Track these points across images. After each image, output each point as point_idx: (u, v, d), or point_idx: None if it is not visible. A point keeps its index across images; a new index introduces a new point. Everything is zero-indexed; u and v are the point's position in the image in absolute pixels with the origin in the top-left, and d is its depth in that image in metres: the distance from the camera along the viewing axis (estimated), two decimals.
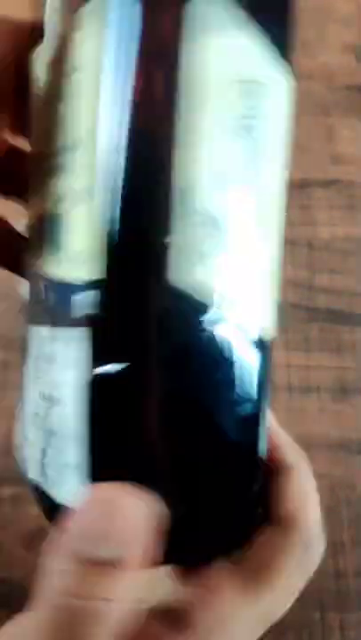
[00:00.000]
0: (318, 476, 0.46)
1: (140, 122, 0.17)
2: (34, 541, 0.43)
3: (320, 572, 0.43)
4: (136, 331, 0.18)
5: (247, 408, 0.19)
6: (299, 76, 0.69)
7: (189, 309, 0.18)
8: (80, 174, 0.18)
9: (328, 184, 0.56)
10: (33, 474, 0.22)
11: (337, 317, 0.51)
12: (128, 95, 0.17)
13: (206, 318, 0.19)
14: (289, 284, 0.52)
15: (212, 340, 0.19)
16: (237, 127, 0.18)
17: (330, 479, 0.46)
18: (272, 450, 0.19)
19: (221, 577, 0.17)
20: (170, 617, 0.16)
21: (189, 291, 0.18)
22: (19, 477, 0.46)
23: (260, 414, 0.20)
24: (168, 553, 0.17)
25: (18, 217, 0.25)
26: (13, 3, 0.25)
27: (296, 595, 0.18)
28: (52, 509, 0.20)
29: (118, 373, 0.17)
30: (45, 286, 0.20)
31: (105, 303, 0.18)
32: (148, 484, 0.16)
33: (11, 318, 0.38)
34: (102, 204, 0.18)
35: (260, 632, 0.17)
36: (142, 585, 0.15)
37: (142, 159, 0.18)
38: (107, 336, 0.18)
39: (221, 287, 0.19)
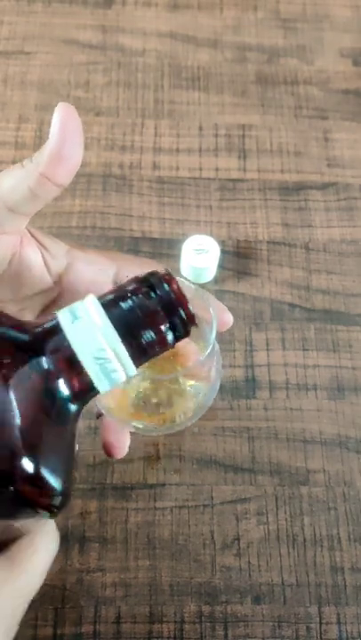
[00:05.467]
0: (315, 473, 0.46)
1: None
2: None
3: (317, 567, 0.44)
4: None
5: None
6: (296, 80, 0.70)
7: None
8: None
9: (325, 186, 0.57)
10: None
11: (334, 317, 0.52)
12: None
13: None
14: (286, 284, 0.53)
15: None
16: None
17: (327, 476, 0.46)
18: None
19: None
20: None
21: None
22: None
23: None
24: None
25: None
26: None
27: (44, 577, 0.24)
28: None
29: None
30: None
31: None
32: None
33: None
34: None
35: (24, 604, 0.23)
36: None
37: None
38: None
39: None
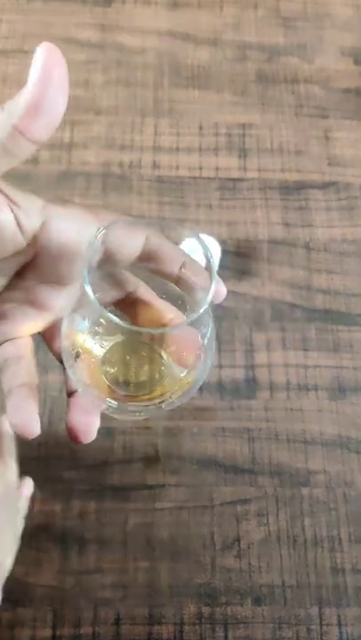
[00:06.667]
0: (316, 474, 0.46)
1: None
2: (34, 539, 0.43)
3: (318, 569, 0.43)
4: None
5: None
6: (297, 79, 0.69)
7: None
8: None
9: (325, 186, 0.57)
10: None
11: (334, 317, 0.51)
12: None
13: None
14: (287, 284, 0.52)
15: None
16: None
17: (327, 476, 0.46)
18: None
19: None
20: None
21: None
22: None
23: None
24: None
25: None
26: None
27: None
28: None
29: None
30: None
31: None
32: None
33: None
34: None
35: None
36: None
37: None
38: None
39: None
